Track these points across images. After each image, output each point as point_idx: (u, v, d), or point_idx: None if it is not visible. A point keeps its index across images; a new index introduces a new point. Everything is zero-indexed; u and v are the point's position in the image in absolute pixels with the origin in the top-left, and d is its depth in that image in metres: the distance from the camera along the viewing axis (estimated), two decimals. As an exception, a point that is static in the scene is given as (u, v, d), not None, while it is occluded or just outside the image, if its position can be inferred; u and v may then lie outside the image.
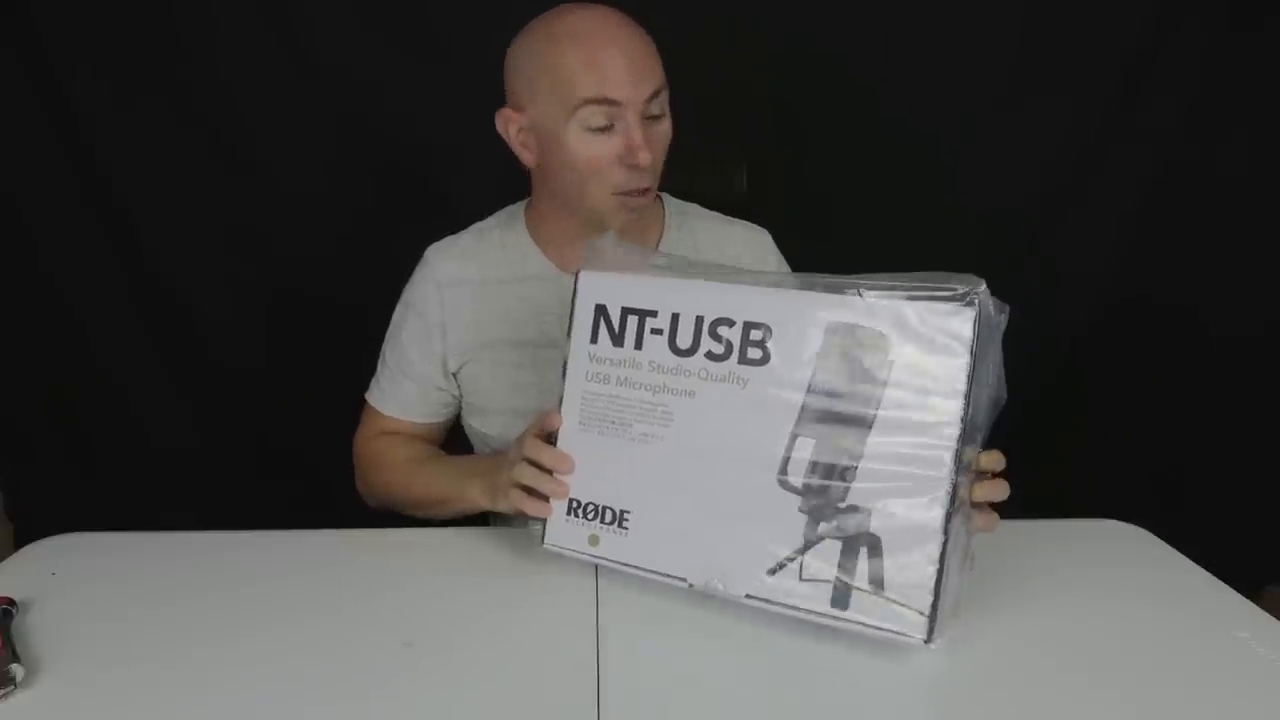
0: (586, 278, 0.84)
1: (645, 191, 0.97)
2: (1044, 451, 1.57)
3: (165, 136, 1.54)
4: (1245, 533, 1.67)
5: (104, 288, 1.60)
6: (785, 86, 1.56)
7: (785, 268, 1.12)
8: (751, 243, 1.12)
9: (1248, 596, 0.88)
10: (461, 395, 1.09)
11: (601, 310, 0.82)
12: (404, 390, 1.09)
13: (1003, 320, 0.71)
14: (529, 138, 0.98)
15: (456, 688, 0.72)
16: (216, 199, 1.58)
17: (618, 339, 0.82)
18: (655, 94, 0.94)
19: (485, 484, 0.92)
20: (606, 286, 0.83)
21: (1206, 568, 0.93)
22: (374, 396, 1.10)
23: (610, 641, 0.78)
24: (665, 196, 1.13)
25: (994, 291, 0.71)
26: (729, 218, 1.14)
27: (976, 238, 1.58)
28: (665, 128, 0.97)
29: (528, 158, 1.00)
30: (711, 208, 1.14)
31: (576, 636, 0.79)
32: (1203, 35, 1.58)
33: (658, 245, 1.08)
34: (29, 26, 1.47)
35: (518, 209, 1.10)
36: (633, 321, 0.81)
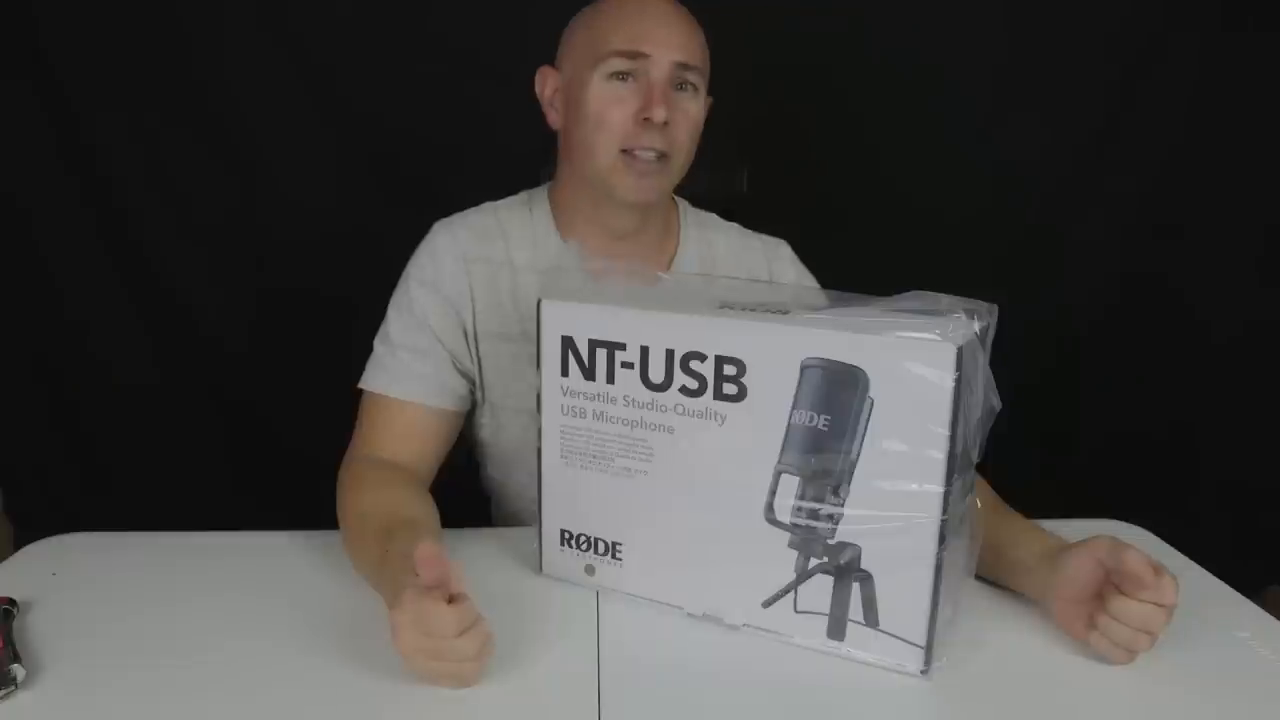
0: (549, 307, 0.81)
1: (657, 158, 0.95)
2: (1044, 451, 1.58)
3: (165, 137, 1.53)
4: (1245, 533, 1.67)
5: (104, 288, 1.59)
6: (787, 86, 1.56)
7: (807, 279, 1.11)
8: (769, 255, 1.11)
9: (1248, 596, 0.88)
10: (479, 384, 1.04)
11: (569, 342, 0.80)
12: (418, 368, 0.99)
13: (990, 324, 0.69)
14: (558, 97, 1.01)
15: (455, 689, 0.71)
16: (217, 200, 1.58)
17: (588, 372, 0.80)
18: (688, 65, 0.95)
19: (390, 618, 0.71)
20: (571, 317, 0.80)
21: (1206, 568, 0.93)
22: (379, 382, 1.00)
23: (610, 641, 0.79)
24: (683, 206, 1.12)
25: (994, 292, 0.70)
26: (747, 230, 1.13)
27: (975, 237, 1.58)
28: (694, 108, 0.97)
29: (553, 118, 1.02)
30: (711, 208, 1.14)
31: (577, 636, 0.79)
32: (1200, 35, 1.58)
33: (674, 257, 1.07)
34: (30, 27, 1.47)
35: (540, 192, 1.08)
36: (602, 354, 0.79)
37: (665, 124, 0.93)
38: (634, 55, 0.93)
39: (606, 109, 0.95)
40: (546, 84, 1.02)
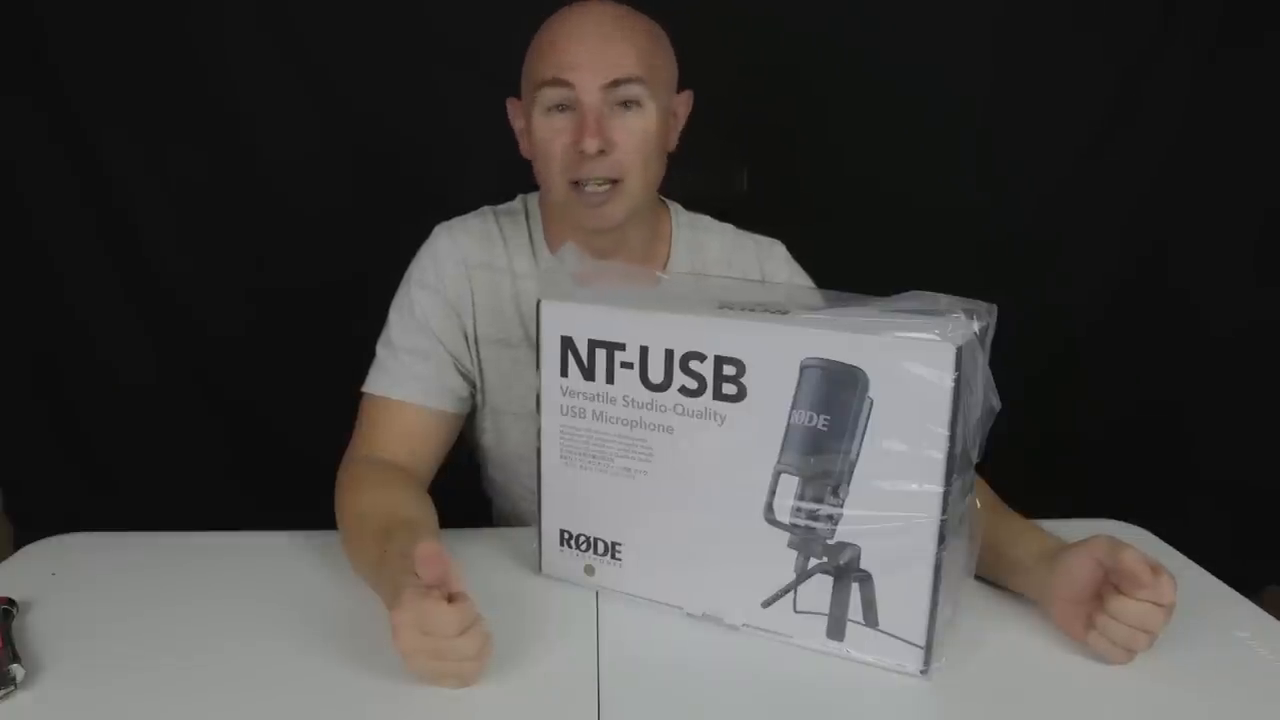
0: (548, 307, 0.81)
1: (606, 185, 0.93)
2: (1044, 451, 1.58)
3: (166, 137, 1.54)
4: (1244, 533, 1.67)
5: (104, 288, 1.59)
6: (787, 86, 1.56)
7: (801, 279, 1.10)
8: (761, 256, 1.10)
9: (1247, 596, 0.88)
10: (480, 389, 1.04)
11: (568, 342, 0.80)
12: (419, 370, 0.99)
13: (990, 324, 0.70)
14: (525, 126, 0.99)
15: (455, 689, 0.71)
16: (217, 200, 1.58)
17: (588, 372, 0.80)
18: (623, 81, 0.91)
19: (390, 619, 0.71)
20: (570, 317, 0.80)
21: (1205, 567, 0.93)
22: (380, 385, 1.00)
23: (610, 641, 0.79)
24: (675, 209, 1.11)
25: (992, 292, 0.70)
26: (741, 231, 1.11)
27: (974, 236, 1.58)
28: (641, 123, 0.93)
29: (524, 147, 1.00)
30: (711, 208, 1.14)
31: (576, 636, 0.79)
32: (1199, 35, 1.58)
33: (666, 262, 1.06)
34: (33, 27, 1.47)
35: (534, 199, 1.08)
36: (601, 355, 0.79)
37: (602, 152, 0.91)
38: (561, 85, 0.91)
39: (548, 143, 0.93)
40: (516, 115, 1.01)
